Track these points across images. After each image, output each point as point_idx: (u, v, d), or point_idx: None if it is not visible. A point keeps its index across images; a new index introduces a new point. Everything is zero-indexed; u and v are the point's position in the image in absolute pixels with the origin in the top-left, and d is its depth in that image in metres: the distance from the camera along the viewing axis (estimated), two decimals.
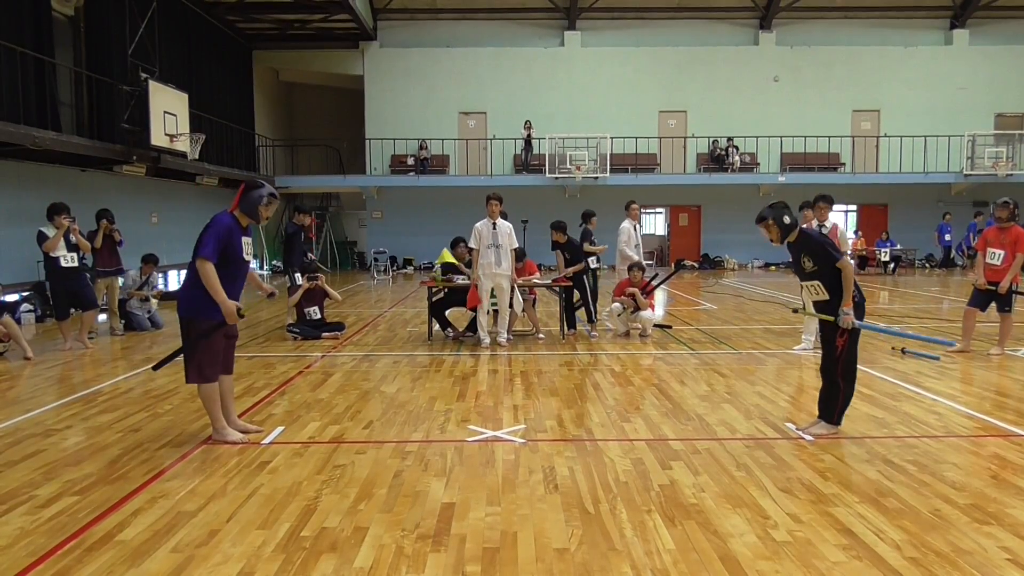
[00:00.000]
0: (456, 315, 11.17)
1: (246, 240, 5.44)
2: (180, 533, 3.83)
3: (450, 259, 10.66)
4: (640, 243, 11.44)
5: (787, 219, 5.47)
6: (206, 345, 5.30)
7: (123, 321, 11.41)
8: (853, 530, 3.83)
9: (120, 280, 11.55)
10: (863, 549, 3.61)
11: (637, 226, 11.42)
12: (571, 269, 10.49)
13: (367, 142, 26.38)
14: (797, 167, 25.84)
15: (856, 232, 25.21)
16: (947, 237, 24.28)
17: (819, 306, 5.55)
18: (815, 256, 5.41)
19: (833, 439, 5.45)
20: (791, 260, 5.70)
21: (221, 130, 21.55)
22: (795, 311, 7.56)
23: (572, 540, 3.74)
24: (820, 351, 5.76)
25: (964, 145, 25.21)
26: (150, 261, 11.87)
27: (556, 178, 24.84)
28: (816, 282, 5.48)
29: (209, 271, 5.14)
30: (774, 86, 26.85)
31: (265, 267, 25.09)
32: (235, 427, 5.64)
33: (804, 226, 6.32)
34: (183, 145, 16.96)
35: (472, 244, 9.59)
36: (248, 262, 5.49)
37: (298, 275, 10.85)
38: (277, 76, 28.43)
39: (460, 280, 10.29)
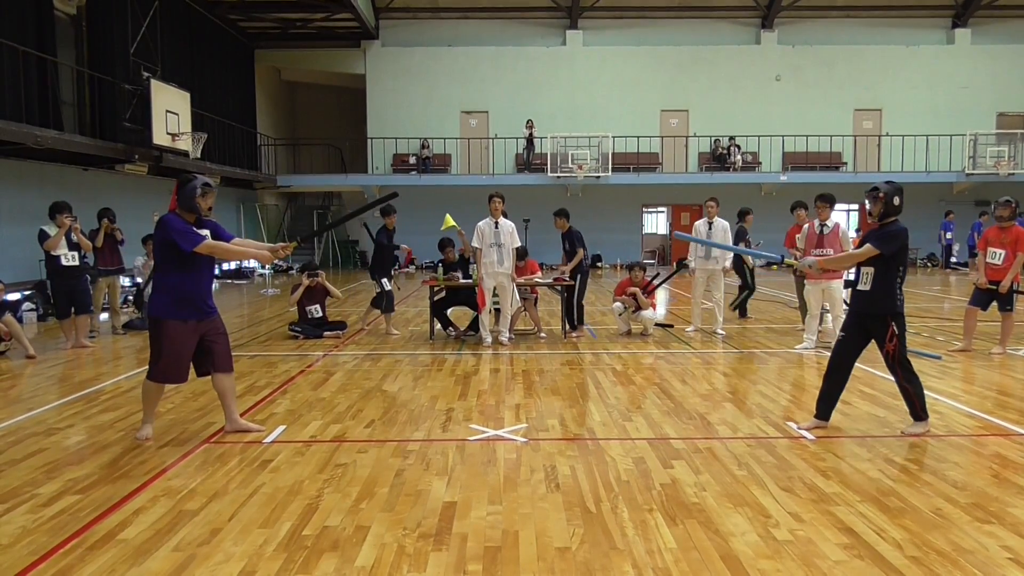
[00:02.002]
0: (458, 314, 11.17)
1: (202, 233, 5.37)
2: (182, 532, 3.84)
3: (452, 223, 10.57)
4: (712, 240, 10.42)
5: (897, 200, 5.48)
6: (170, 346, 5.28)
7: (137, 315, 11.45)
8: (854, 529, 3.83)
9: (123, 280, 11.56)
10: (864, 548, 3.61)
11: (711, 223, 10.51)
12: (569, 266, 10.42)
13: (369, 141, 26.38)
14: (799, 166, 25.82)
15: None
16: (948, 236, 24.23)
17: (857, 295, 5.55)
18: (880, 238, 5.37)
19: (835, 438, 5.45)
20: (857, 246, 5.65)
21: (223, 129, 21.56)
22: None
23: (574, 539, 3.74)
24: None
25: (966, 144, 25.19)
26: (152, 239, 11.75)
27: (558, 177, 24.84)
28: (872, 269, 5.44)
29: (210, 247, 5.28)
30: (776, 85, 26.82)
31: (267, 266, 25.06)
32: (236, 426, 5.64)
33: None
34: (185, 144, 16.97)
35: (475, 243, 9.59)
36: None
37: (385, 280, 10.84)
38: (279, 75, 28.45)
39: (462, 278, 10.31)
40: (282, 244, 5.65)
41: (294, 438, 5.55)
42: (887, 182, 5.60)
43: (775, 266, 6.45)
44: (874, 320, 5.45)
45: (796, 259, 5.85)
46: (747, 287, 12.01)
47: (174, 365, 5.34)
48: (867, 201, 5.58)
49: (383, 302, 10.77)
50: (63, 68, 15.53)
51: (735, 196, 25.56)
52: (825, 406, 5.70)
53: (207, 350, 5.46)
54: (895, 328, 5.37)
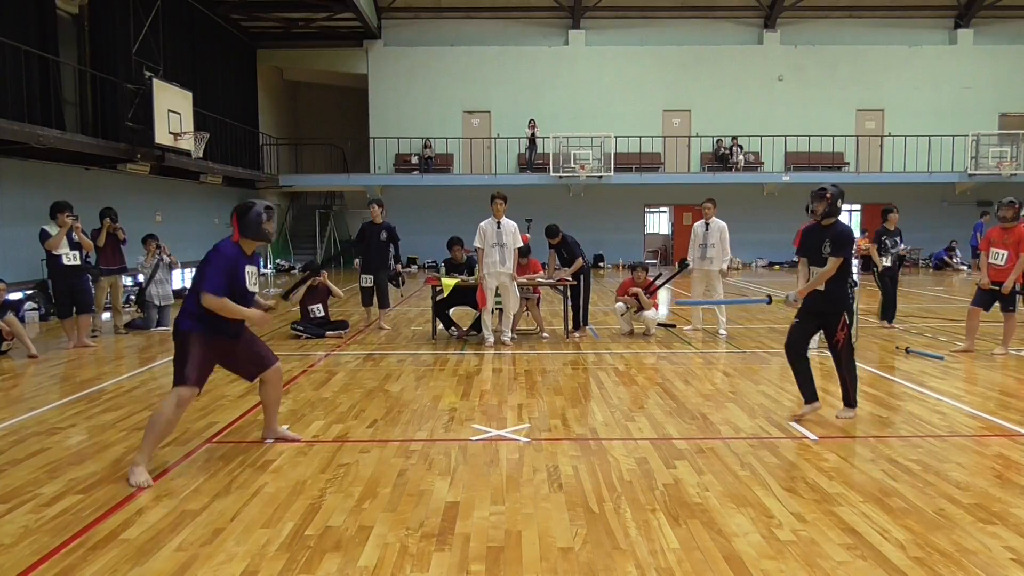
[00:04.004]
0: (460, 314, 11.16)
1: (251, 269, 4.99)
2: (184, 532, 3.84)
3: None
4: (707, 243, 10.48)
5: (839, 203, 5.90)
6: (197, 352, 4.88)
7: (139, 315, 11.52)
8: (857, 529, 3.83)
9: (125, 279, 11.56)
10: (867, 549, 3.61)
11: (707, 224, 10.50)
12: (571, 268, 10.41)
13: (371, 141, 26.38)
14: (801, 166, 25.80)
15: (863, 232, 25.15)
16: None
17: (815, 294, 5.96)
18: (836, 245, 5.78)
19: (838, 438, 5.45)
20: (808, 247, 6.05)
21: (225, 129, 21.55)
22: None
23: (576, 539, 3.74)
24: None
25: (968, 145, 25.15)
26: (150, 237, 11.70)
27: (560, 177, 24.83)
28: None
29: (224, 304, 4.76)
30: (778, 85, 26.81)
31: (269, 266, 25.11)
32: (275, 435, 5.45)
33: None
34: (187, 144, 16.96)
35: (477, 243, 9.59)
36: (253, 292, 5.05)
37: (364, 277, 10.92)
38: (281, 75, 28.44)
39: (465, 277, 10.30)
40: (269, 304, 5.33)
41: (296, 438, 5.54)
42: (833, 184, 6.02)
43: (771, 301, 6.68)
44: (831, 316, 5.89)
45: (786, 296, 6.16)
46: (885, 295, 11.47)
47: (200, 369, 4.86)
48: (811, 199, 5.95)
49: (369, 298, 11.07)
50: (65, 67, 15.52)
51: (737, 196, 25.67)
52: (808, 390, 6.01)
53: (246, 359, 5.16)
54: (846, 318, 5.89)
